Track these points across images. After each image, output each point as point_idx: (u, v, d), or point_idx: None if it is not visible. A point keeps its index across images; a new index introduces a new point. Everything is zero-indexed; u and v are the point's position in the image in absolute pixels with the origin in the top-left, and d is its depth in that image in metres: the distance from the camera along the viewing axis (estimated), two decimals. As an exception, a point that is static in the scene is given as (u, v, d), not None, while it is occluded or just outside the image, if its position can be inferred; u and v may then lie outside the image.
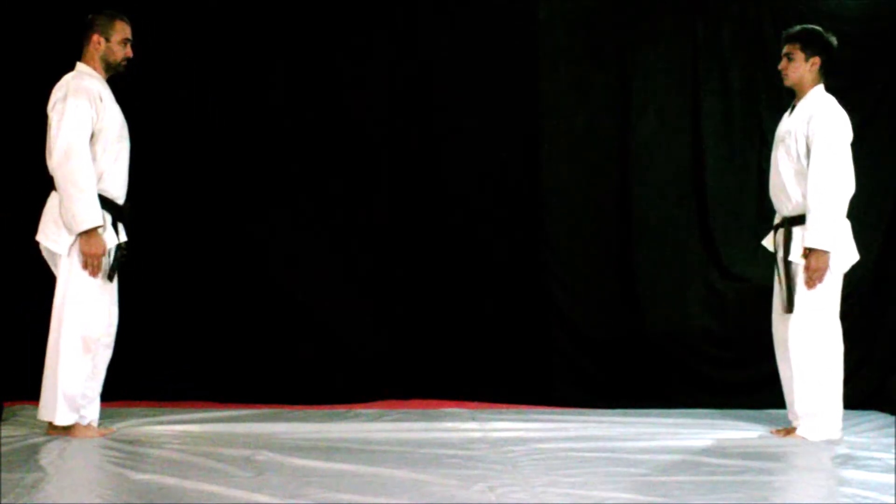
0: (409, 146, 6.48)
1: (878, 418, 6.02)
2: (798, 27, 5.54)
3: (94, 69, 5.23)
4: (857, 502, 4.06)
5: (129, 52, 5.26)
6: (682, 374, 6.45)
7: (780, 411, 5.80)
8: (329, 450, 4.99)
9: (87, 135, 5.07)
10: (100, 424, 5.29)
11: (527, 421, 5.76)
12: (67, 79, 5.18)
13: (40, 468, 4.42)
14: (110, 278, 5.19)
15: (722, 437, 5.43)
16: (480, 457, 4.85)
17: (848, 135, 5.39)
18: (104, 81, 5.24)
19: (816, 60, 5.42)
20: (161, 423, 5.50)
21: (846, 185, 5.35)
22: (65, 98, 5.08)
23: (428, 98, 6.47)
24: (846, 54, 6.49)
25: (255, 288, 6.35)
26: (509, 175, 6.51)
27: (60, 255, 5.15)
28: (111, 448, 4.87)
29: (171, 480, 4.24)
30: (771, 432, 5.51)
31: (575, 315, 6.52)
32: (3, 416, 5.57)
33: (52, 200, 5.20)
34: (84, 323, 5.13)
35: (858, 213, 6.50)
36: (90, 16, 5.25)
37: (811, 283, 5.27)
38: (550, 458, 4.83)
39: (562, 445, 5.12)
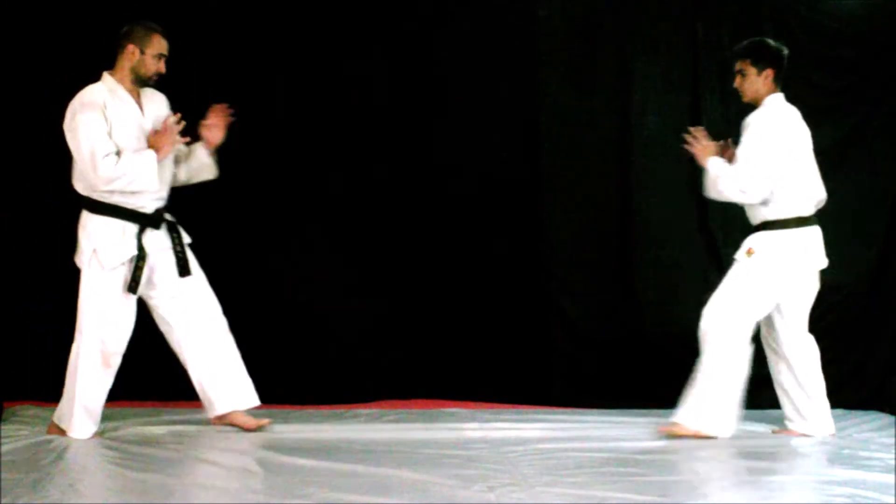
0: (409, 146, 6.48)
1: (878, 418, 6.02)
2: (745, 42, 5.48)
3: (121, 79, 5.18)
4: (857, 502, 4.06)
5: (161, 67, 5.21)
6: (682, 374, 6.44)
7: (781, 411, 5.81)
8: (329, 450, 4.99)
9: (105, 138, 5.05)
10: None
11: (527, 421, 5.76)
12: (77, 96, 5.13)
13: (40, 468, 4.42)
14: (132, 290, 5.16)
15: (721, 437, 5.43)
16: (480, 457, 4.84)
17: (782, 137, 5.29)
18: (125, 92, 5.17)
19: (769, 72, 5.36)
20: (161, 423, 5.50)
21: (761, 183, 5.26)
22: (73, 117, 5.08)
23: (428, 98, 6.46)
24: (846, 54, 6.51)
25: (255, 288, 6.35)
26: (509, 175, 6.51)
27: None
28: (111, 448, 4.87)
29: (171, 480, 4.24)
30: (773, 432, 5.51)
31: (575, 315, 6.52)
32: (3, 416, 5.57)
33: (81, 219, 5.19)
34: (103, 338, 5.14)
35: (857, 212, 6.52)
36: (128, 25, 5.20)
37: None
38: (550, 458, 4.83)
39: (562, 445, 5.12)
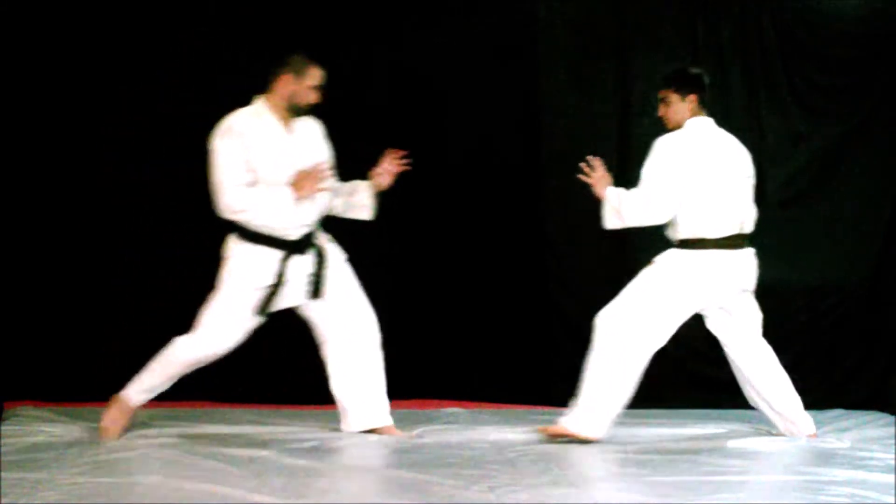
0: (408, 146, 6.47)
1: (878, 418, 6.03)
2: (668, 71, 5.42)
3: (274, 106, 5.20)
4: (857, 502, 4.06)
5: (316, 98, 5.23)
6: (682, 374, 6.45)
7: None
8: (329, 450, 4.99)
9: (238, 170, 5.07)
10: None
11: (527, 421, 5.75)
12: (225, 119, 5.16)
13: (40, 468, 4.42)
14: (261, 312, 5.19)
15: (722, 437, 5.43)
16: (480, 457, 4.85)
17: (691, 157, 5.18)
18: (273, 119, 5.18)
19: (693, 98, 5.30)
20: (161, 423, 5.49)
21: (665, 201, 5.18)
22: (213, 141, 5.12)
23: (427, 98, 6.46)
24: (846, 54, 6.52)
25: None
26: (509, 175, 6.51)
27: None
28: (111, 448, 4.87)
29: (171, 480, 4.23)
30: (773, 434, 5.51)
31: (575, 315, 6.52)
32: (3, 416, 5.57)
33: (227, 240, 5.24)
34: (205, 348, 5.20)
35: (857, 212, 6.52)
36: (288, 55, 5.20)
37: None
38: (550, 458, 4.83)
39: (562, 445, 5.12)
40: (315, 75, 5.22)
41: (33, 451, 4.77)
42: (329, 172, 5.28)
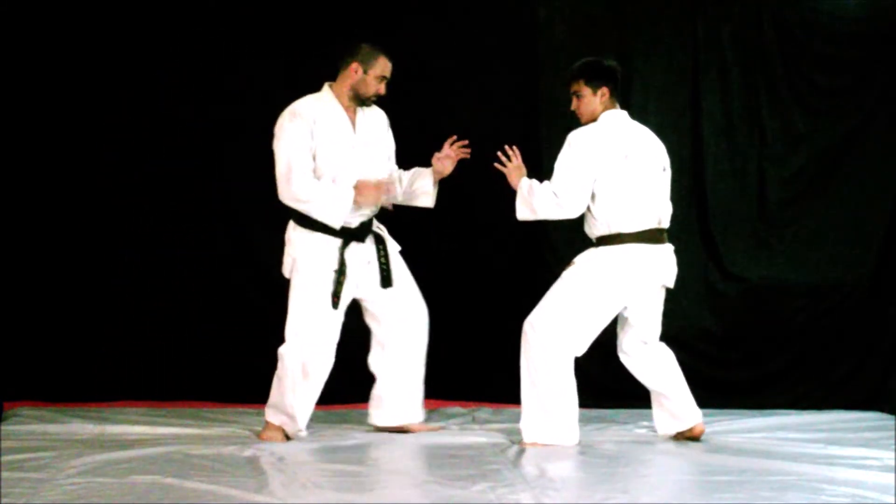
0: (408, 146, 6.47)
1: (878, 418, 6.03)
2: (578, 63, 5.34)
3: (339, 94, 5.21)
4: (857, 502, 4.06)
5: (381, 89, 5.21)
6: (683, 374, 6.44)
7: (781, 411, 5.80)
8: (329, 450, 4.99)
9: (306, 156, 5.06)
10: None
11: (527, 421, 5.75)
12: (292, 104, 5.17)
13: (41, 468, 4.42)
14: (334, 306, 5.16)
15: (722, 436, 5.43)
16: (480, 457, 4.85)
17: (604, 152, 5.14)
18: (339, 107, 5.19)
19: (605, 91, 5.25)
20: (161, 423, 5.50)
21: (576, 196, 5.14)
22: (281, 125, 5.12)
23: (427, 98, 6.46)
24: (846, 54, 6.51)
25: (255, 287, 6.35)
26: (509, 175, 6.50)
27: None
28: (110, 448, 4.87)
29: (171, 480, 4.24)
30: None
31: (575, 315, 6.51)
32: (3, 416, 5.57)
33: (287, 229, 5.23)
34: (303, 347, 5.15)
35: (857, 212, 6.52)
36: (357, 43, 5.21)
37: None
38: (549, 457, 4.83)
39: (561, 446, 5.11)
40: (383, 66, 5.19)
41: (33, 451, 4.77)
42: (393, 188, 5.29)
